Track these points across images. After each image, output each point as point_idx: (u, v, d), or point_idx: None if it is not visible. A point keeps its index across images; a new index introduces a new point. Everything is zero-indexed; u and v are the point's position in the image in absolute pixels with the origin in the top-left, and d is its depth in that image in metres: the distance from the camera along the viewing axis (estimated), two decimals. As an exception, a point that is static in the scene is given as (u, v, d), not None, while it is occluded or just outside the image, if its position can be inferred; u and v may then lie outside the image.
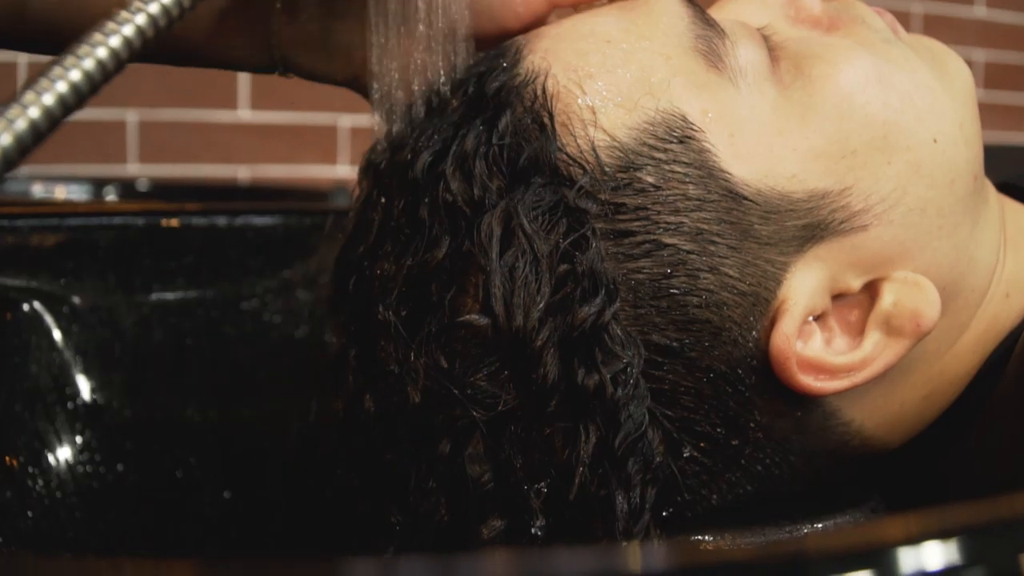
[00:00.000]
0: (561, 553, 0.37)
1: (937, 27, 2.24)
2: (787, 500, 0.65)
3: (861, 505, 0.65)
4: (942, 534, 0.38)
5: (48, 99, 0.49)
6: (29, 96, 0.49)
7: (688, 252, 0.60)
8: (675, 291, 0.60)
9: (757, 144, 0.62)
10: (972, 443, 0.67)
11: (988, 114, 2.28)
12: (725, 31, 0.65)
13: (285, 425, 0.87)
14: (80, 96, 0.49)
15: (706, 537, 0.62)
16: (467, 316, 0.59)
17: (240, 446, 0.90)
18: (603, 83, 0.62)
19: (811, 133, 0.63)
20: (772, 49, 0.66)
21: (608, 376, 0.58)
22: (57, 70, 0.50)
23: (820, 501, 0.65)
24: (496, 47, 0.66)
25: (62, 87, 0.49)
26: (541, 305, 0.58)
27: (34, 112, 0.48)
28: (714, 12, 0.70)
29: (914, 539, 0.38)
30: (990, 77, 2.35)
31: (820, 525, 0.63)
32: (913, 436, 0.69)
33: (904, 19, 2.19)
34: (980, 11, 2.35)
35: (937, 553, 0.38)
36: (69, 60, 0.50)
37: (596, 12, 0.67)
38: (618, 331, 0.59)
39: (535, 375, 0.58)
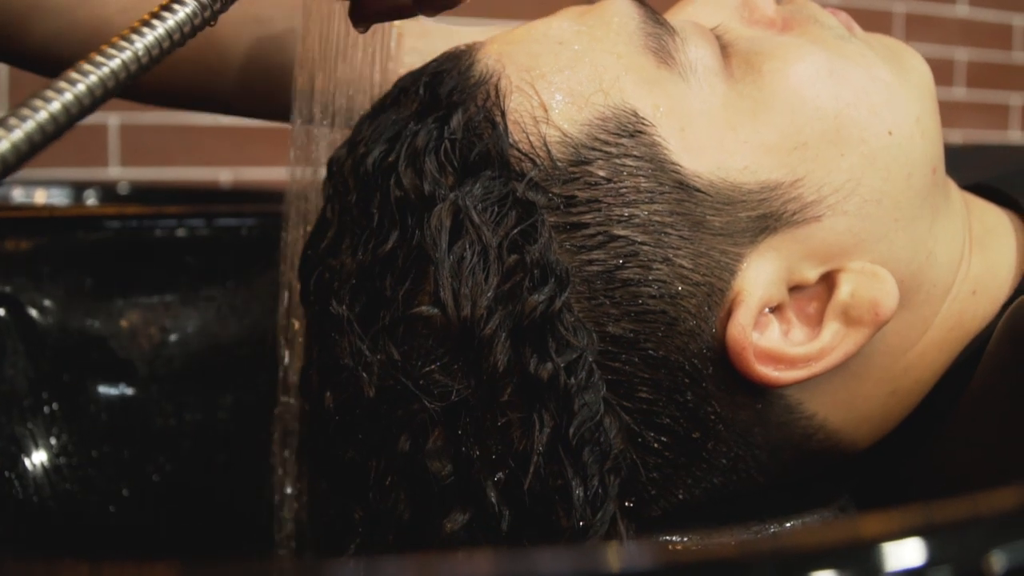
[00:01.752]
0: (539, 553, 0.37)
1: (919, 26, 2.25)
2: (756, 497, 0.65)
3: (830, 504, 0.65)
4: (908, 533, 0.38)
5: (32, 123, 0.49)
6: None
7: (641, 243, 0.60)
8: (629, 282, 0.60)
9: (708, 137, 0.63)
10: (941, 445, 0.67)
11: (970, 113, 2.29)
12: (675, 29, 0.66)
13: (262, 428, 0.87)
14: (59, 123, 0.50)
15: (674, 537, 0.61)
16: (417, 308, 0.59)
17: (217, 449, 0.90)
18: (555, 82, 0.63)
19: (762, 126, 0.63)
20: (724, 47, 0.67)
21: (561, 364, 0.58)
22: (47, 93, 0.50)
23: (788, 500, 0.65)
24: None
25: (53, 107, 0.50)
26: (490, 294, 0.58)
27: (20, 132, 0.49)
28: (670, 15, 0.71)
29: (882, 538, 0.38)
30: (972, 76, 2.36)
31: (788, 524, 0.63)
32: (881, 435, 0.69)
33: (886, 18, 2.19)
34: (962, 10, 2.35)
35: (902, 552, 0.38)
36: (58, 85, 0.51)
37: (550, 17, 0.68)
38: (571, 320, 0.59)
39: (486, 364, 0.58)
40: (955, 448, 0.67)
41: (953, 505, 0.40)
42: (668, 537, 0.62)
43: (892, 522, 0.39)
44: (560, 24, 0.66)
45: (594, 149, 0.61)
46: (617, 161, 0.61)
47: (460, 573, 0.39)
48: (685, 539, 0.62)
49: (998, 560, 0.38)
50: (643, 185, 0.61)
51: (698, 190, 0.61)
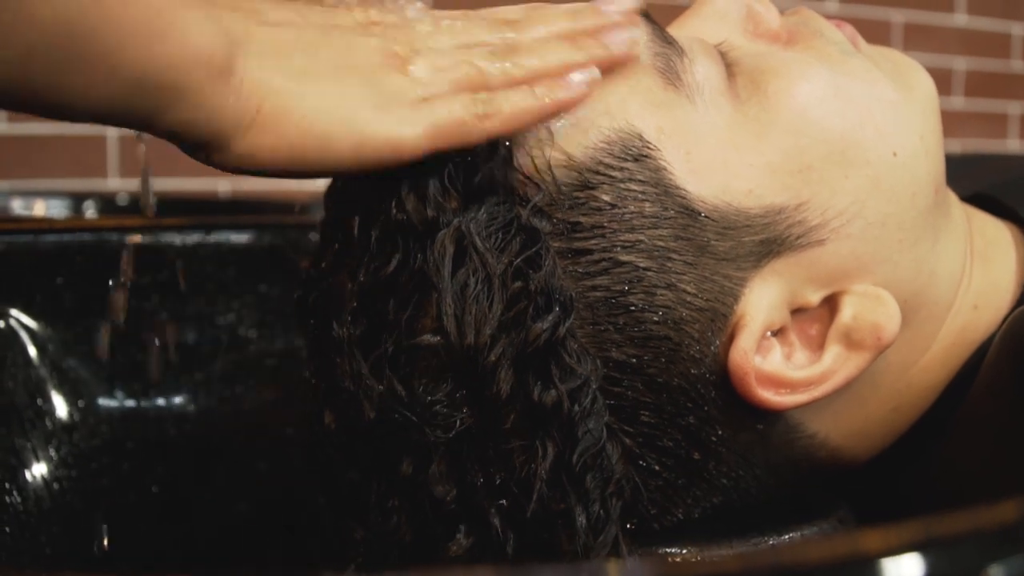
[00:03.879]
0: (539, 569, 0.37)
1: (918, 36, 2.25)
2: (754, 510, 0.65)
3: (828, 516, 0.65)
4: (906, 548, 0.38)
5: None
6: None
7: (645, 269, 0.60)
8: (633, 308, 0.60)
9: (713, 161, 0.62)
10: (942, 456, 0.67)
11: (969, 122, 2.28)
12: (683, 48, 0.64)
13: (261, 439, 0.87)
14: None
15: (673, 550, 0.61)
16: (420, 336, 0.58)
17: (216, 461, 0.90)
18: None
19: (767, 149, 0.63)
20: (729, 65, 0.65)
21: (565, 391, 0.58)
22: None
23: (787, 512, 0.65)
24: None
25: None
26: (494, 322, 0.58)
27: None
28: (674, 28, 0.69)
29: (881, 552, 0.38)
30: (971, 85, 2.36)
31: (787, 536, 0.62)
32: (883, 449, 0.69)
33: (885, 28, 2.20)
34: (961, 19, 2.35)
35: (901, 567, 0.38)
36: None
37: None
38: (575, 347, 0.59)
39: (489, 392, 0.58)
40: (953, 460, 0.67)
41: (951, 519, 0.41)
42: (667, 550, 0.62)
43: (891, 537, 0.40)
44: None
45: (599, 173, 0.60)
46: (622, 186, 0.60)
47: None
48: (684, 551, 0.62)
49: (996, 574, 0.38)
50: (648, 210, 0.60)
51: (703, 215, 0.61)
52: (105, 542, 0.85)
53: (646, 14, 0.66)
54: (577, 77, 0.60)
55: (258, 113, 0.55)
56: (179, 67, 0.53)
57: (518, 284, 0.58)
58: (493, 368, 0.58)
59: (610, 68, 0.61)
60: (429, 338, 0.58)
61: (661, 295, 0.60)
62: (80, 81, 0.51)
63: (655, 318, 0.60)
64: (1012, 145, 2.41)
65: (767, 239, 0.62)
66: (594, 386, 0.59)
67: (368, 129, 0.56)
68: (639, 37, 0.62)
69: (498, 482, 0.59)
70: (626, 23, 0.62)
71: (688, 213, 0.61)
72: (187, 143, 0.57)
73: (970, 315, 0.69)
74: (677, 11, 0.72)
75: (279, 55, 0.56)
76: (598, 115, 0.61)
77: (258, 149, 0.56)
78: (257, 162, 0.56)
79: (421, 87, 0.58)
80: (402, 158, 0.58)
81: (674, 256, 0.60)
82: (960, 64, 2.34)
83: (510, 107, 0.59)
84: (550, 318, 0.58)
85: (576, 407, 0.58)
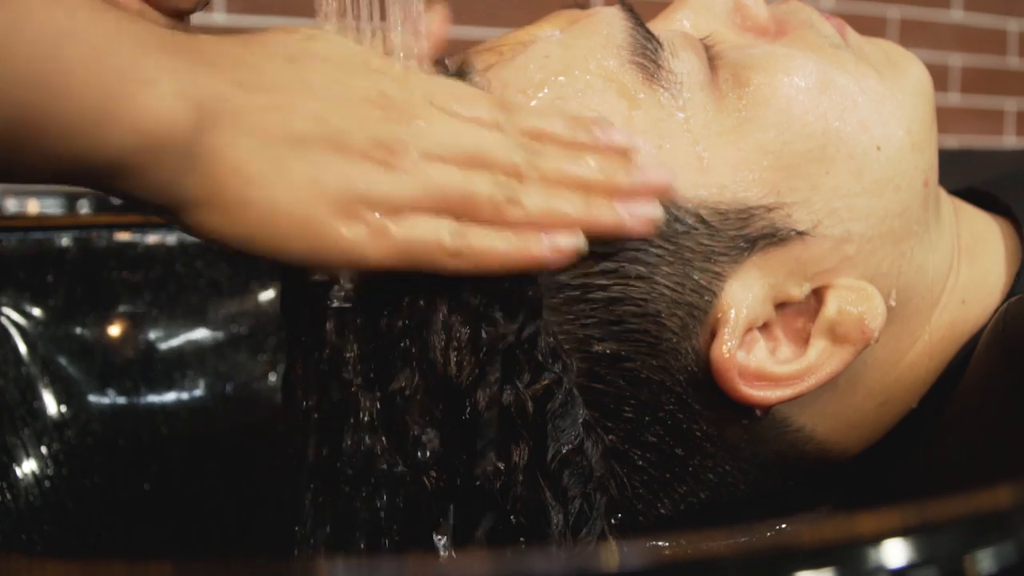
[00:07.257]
0: (536, 553, 0.37)
1: (914, 32, 2.25)
2: (742, 505, 0.65)
3: (815, 510, 0.64)
4: (893, 533, 0.38)
5: None
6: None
7: (620, 262, 0.60)
8: (609, 301, 0.60)
9: (689, 156, 0.61)
10: (931, 449, 0.67)
11: (965, 118, 2.28)
12: (663, 43, 0.64)
13: (253, 437, 0.87)
14: None
15: (661, 543, 0.61)
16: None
17: (208, 459, 0.90)
18: (540, 96, 0.61)
19: (746, 144, 0.62)
20: (712, 59, 0.65)
21: (538, 391, 0.57)
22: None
23: (775, 506, 0.65)
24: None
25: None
26: (464, 328, 0.57)
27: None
28: (660, 21, 0.69)
29: (867, 538, 0.38)
30: (967, 81, 2.35)
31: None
32: (872, 442, 0.69)
33: (880, 24, 2.19)
34: (957, 15, 2.35)
35: (887, 552, 0.38)
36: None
37: (539, 23, 0.66)
38: (546, 345, 0.58)
39: (464, 403, 0.57)
40: (943, 453, 0.66)
41: (938, 505, 0.40)
42: (655, 543, 0.62)
43: (877, 522, 0.39)
44: (547, 33, 0.65)
45: None
46: None
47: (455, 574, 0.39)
48: (672, 545, 0.61)
49: (983, 561, 0.38)
50: None
51: (677, 210, 0.60)
52: (96, 539, 0.84)
53: (628, 6, 0.65)
54: (564, 241, 0.55)
55: (216, 196, 0.52)
56: (129, 149, 0.50)
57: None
58: (465, 375, 0.57)
59: (610, 236, 0.57)
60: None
61: (638, 290, 0.60)
62: (25, 159, 0.50)
63: (633, 311, 0.60)
64: (1008, 141, 2.41)
65: (746, 235, 0.61)
66: (568, 384, 0.59)
67: (327, 238, 0.53)
68: (659, 217, 0.58)
69: (477, 483, 0.58)
70: (649, 193, 0.58)
71: (664, 209, 0.59)
72: (137, 207, 0.55)
73: (958, 310, 0.69)
74: (663, 6, 0.72)
75: (253, 133, 0.52)
76: (575, 109, 0.61)
77: (210, 226, 0.53)
78: (208, 237, 0.54)
79: (402, 197, 0.54)
80: (357, 268, 0.55)
81: (649, 249, 0.60)
82: (956, 60, 2.34)
83: (483, 249, 0.55)
84: (518, 319, 0.57)
85: (549, 406, 0.58)
